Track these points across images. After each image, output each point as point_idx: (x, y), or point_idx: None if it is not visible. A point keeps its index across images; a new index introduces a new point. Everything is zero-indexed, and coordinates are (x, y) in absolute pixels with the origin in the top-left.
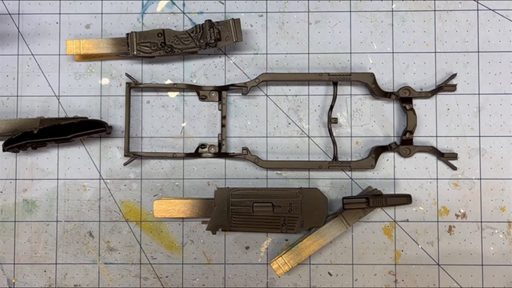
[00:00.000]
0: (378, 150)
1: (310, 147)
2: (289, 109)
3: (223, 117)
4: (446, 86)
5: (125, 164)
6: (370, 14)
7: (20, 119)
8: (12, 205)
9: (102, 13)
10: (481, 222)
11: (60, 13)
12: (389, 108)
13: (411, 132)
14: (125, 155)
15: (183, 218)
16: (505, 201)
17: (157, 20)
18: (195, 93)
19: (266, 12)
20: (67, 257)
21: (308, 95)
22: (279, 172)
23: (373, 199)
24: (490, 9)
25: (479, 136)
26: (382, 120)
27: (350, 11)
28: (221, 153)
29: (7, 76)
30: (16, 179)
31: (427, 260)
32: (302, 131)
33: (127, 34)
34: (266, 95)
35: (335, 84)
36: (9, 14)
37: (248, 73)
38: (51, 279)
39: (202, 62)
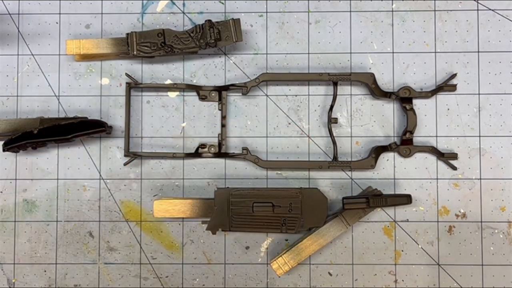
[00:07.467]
0: (378, 150)
1: (310, 147)
2: (289, 109)
3: (223, 117)
4: (446, 86)
5: (125, 164)
6: (370, 14)
7: (20, 119)
8: (12, 205)
9: (102, 13)
10: (481, 222)
11: (60, 13)
12: (389, 108)
13: (411, 132)
14: (125, 155)
15: (183, 218)
16: (505, 201)
17: (157, 20)
18: (195, 93)
19: (266, 12)
20: (67, 257)
21: (308, 95)
22: (279, 172)
23: (373, 199)
24: (490, 9)
25: (479, 136)
26: (382, 120)
27: (350, 11)
28: (221, 153)
29: (7, 76)
30: (16, 179)
31: (427, 260)
32: (302, 131)
33: (127, 34)
34: (266, 95)
35: (335, 84)
36: (9, 14)
37: (248, 73)
38: (51, 279)
39: (202, 62)
